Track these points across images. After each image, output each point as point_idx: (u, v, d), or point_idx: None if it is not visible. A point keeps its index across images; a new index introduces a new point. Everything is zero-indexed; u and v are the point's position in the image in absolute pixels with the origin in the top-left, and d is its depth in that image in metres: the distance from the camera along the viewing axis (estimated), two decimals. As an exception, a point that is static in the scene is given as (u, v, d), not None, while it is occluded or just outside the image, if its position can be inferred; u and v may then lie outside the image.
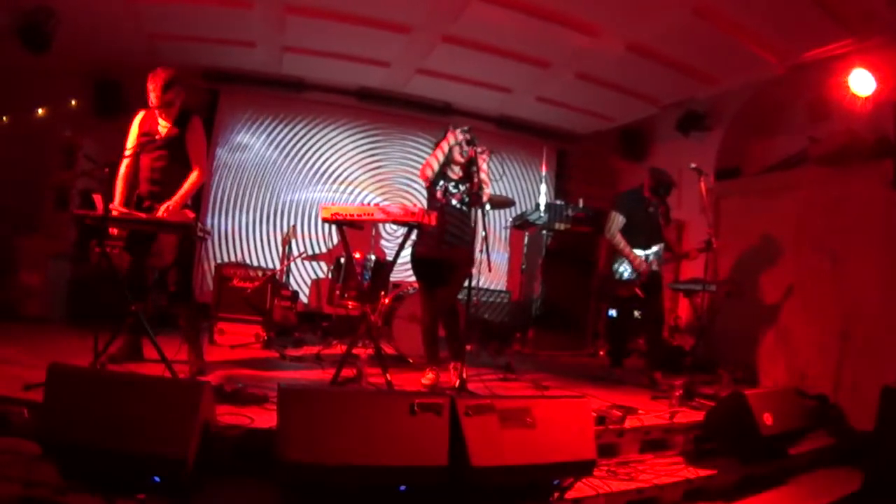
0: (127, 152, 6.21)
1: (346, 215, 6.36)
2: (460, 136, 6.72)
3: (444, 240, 6.63)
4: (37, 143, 9.81)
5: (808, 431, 6.79)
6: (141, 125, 6.23)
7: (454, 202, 6.72)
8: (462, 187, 6.75)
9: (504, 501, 4.39)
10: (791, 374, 8.70)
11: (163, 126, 6.21)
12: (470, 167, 6.72)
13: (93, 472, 3.82)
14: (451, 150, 6.74)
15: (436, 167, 6.71)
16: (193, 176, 6.23)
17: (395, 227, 10.65)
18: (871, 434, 6.02)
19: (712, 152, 10.58)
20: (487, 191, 6.69)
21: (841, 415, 7.73)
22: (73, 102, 10.25)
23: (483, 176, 6.61)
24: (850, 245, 8.21)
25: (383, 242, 11.27)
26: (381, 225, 10.52)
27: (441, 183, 6.75)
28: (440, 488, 4.15)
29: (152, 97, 6.05)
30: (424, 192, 11.03)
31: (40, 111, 10.07)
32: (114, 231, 6.08)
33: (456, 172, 6.82)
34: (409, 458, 4.01)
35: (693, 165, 7.64)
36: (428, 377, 6.71)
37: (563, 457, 4.47)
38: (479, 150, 6.63)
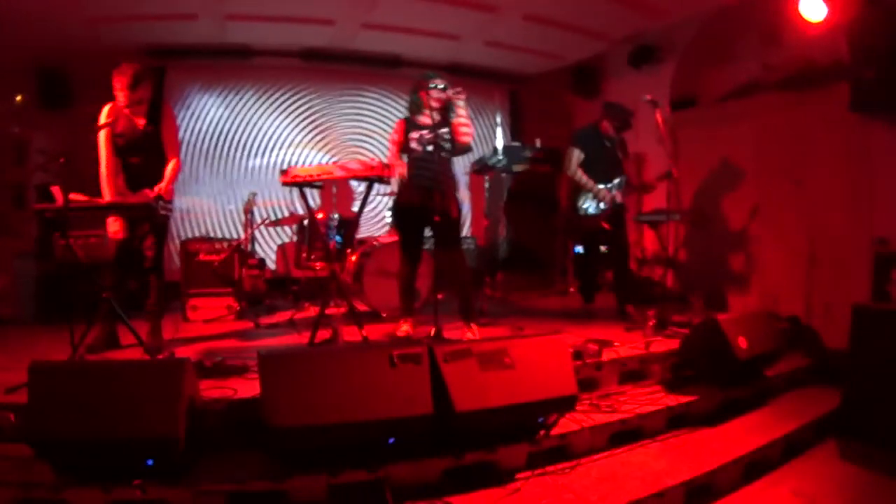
0: (102, 151, 6.13)
1: (305, 176, 6.34)
2: (435, 94, 6.63)
3: (416, 185, 6.55)
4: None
5: (783, 353, 6.93)
6: (114, 124, 6.11)
7: (427, 147, 6.62)
8: (441, 130, 6.65)
9: (492, 443, 4.45)
10: (762, 299, 8.83)
11: (138, 125, 6.16)
12: (447, 112, 6.69)
13: (87, 465, 3.84)
14: (418, 104, 6.72)
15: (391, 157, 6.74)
16: (173, 164, 6.27)
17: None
18: (846, 352, 6.12)
19: (666, 84, 10.60)
20: (467, 130, 6.65)
21: (814, 335, 7.88)
22: (19, 98, 10.10)
23: (463, 119, 6.59)
24: (811, 168, 8.31)
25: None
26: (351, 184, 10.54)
27: (412, 132, 6.69)
28: (428, 437, 4.22)
29: (120, 97, 5.99)
30: (379, 147, 11.03)
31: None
32: (119, 232, 6.13)
33: (431, 118, 6.70)
34: (395, 410, 4.05)
35: (647, 97, 7.65)
36: (403, 329, 6.75)
37: (544, 394, 4.54)
38: (453, 91, 6.56)
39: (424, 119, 6.71)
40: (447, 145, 6.66)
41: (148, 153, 6.19)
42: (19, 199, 9.54)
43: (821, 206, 8.16)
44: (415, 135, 6.66)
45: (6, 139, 9.66)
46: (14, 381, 4.53)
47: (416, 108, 6.77)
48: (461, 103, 6.58)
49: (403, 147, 6.73)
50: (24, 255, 8.71)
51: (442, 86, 6.57)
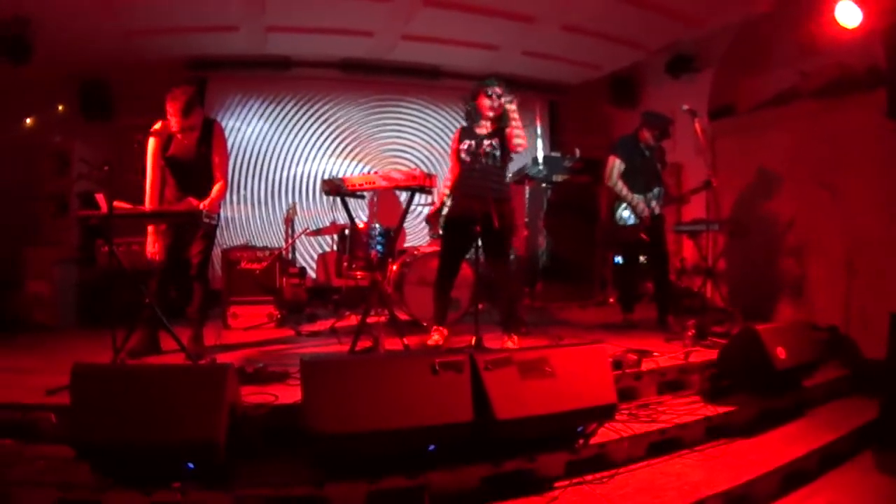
0: (149, 160, 6.30)
1: (347, 186, 6.39)
2: (494, 101, 6.64)
3: (463, 195, 6.60)
4: (28, 153, 9.77)
5: (822, 363, 6.86)
6: (166, 144, 6.27)
7: (485, 161, 6.64)
8: (486, 141, 6.66)
9: (531, 451, 4.46)
10: (801, 308, 8.79)
11: (189, 147, 6.26)
12: (501, 120, 6.67)
13: (127, 467, 3.89)
14: (475, 112, 6.75)
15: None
16: (219, 185, 6.36)
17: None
18: (884, 362, 6.08)
19: (704, 93, 10.58)
20: (520, 139, 6.56)
21: (853, 345, 7.83)
22: (61, 108, 10.24)
23: (515, 126, 6.51)
24: (848, 175, 8.25)
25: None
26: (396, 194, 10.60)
27: (467, 142, 6.71)
28: (468, 444, 4.23)
29: (173, 122, 6.08)
30: (419, 157, 11.01)
31: (28, 121, 10.05)
32: (157, 254, 6.30)
33: (485, 126, 6.76)
34: (436, 418, 4.08)
35: (686, 107, 7.62)
36: (433, 339, 6.75)
37: (584, 403, 4.56)
38: (506, 98, 6.56)
39: (479, 129, 6.75)
40: (497, 153, 6.66)
41: (197, 174, 6.29)
42: (62, 207, 9.64)
43: (859, 213, 8.10)
44: (464, 145, 6.70)
45: (49, 149, 9.78)
46: (54, 384, 4.62)
47: (472, 116, 6.79)
48: (512, 109, 6.53)
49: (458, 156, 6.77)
50: (64, 262, 8.83)
51: (498, 93, 6.58)
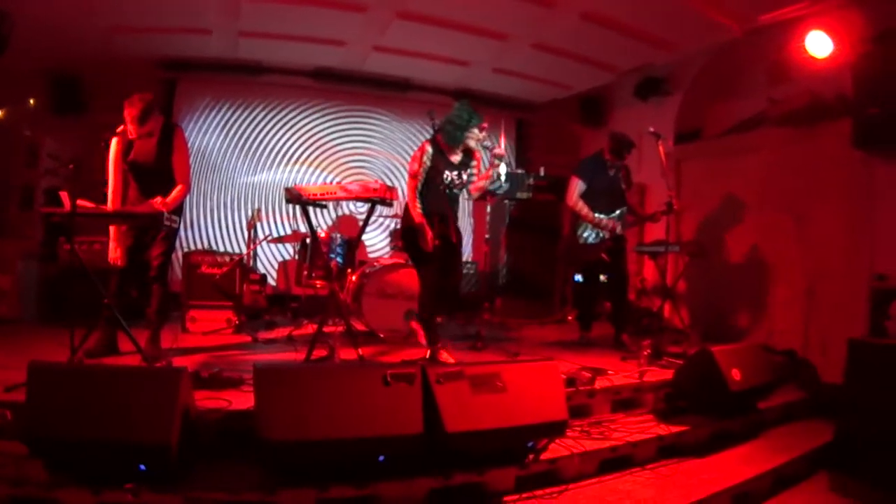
0: (111, 161, 6.27)
1: (308, 195, 6.41)
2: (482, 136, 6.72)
3: (436, 214, 6.55)
4: (-1, 144, 9.74)
5: (778, 386, 6.92)
6: (128, 146, 6.23)
7: (455, 191, 6.79)
8: (464, 173, 6.76)
9: (481, 466, 4.47)
10: (760, 331, 8.88)
11: (149, 153, 6.24)
12: (470, 151, 6.79)
13: (80, 467, 3.87)
14: (459, 141, 6.68)
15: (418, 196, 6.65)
16: (180, 188, 6.32)
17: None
18: (841, 386, 6.14)
19: (672, 116, 10.70)
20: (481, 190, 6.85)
21: (810, 369, 7.89)
22: (32, 102, 10.16)
23: (500, 150, 6.70)
24: (812, 203, 8.38)
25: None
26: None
27: (447, 173, 6.64)
28: (419, 456, 4.24)
29: (130, 129, 6.04)
30: (384, 169, 10.98)
31: (-1, 113, 9.99)
32: (119, 259, 6.25)
33: (457, 154, 6.77)
34: (386, 429, 4.09)
35: (651, 129, 7.66)
36: (449, 358, 6.50)
37: (535, 419, 4.58)
38: (490, 143, 6.71)
39: (454, 156, 6.73)
40: (465, 184, 6.78)
41: (158, 178, 6.26)
42: (28, 201, 9.59)
43: (822, 240, 8.22)
44: (446, 176, 6.62)
45: (18, 141, 9.71)
46: (13, 379, 4.58)
47: (455, 141, 6.67)
48: (495, 155, 6.69)
49: (425, 172, 6.60)
50: (28, 257, 8.75)
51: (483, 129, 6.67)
